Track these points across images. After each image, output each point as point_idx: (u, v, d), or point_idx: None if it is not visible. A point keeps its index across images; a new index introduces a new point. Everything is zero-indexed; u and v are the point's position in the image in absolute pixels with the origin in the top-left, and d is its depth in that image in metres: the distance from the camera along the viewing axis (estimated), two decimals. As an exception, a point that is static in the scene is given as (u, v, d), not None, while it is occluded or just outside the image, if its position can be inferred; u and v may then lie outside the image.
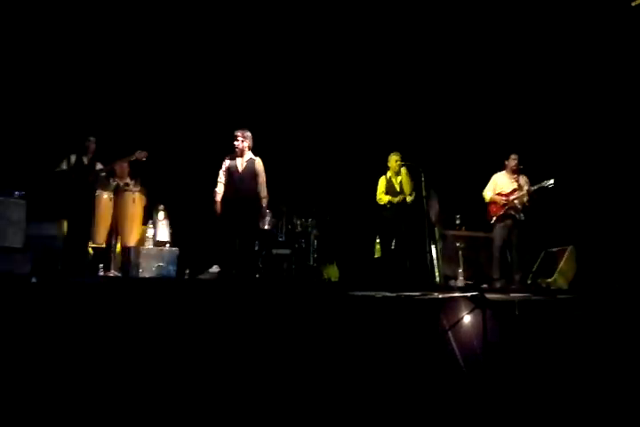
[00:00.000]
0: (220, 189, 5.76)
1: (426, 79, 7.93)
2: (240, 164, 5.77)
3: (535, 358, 3.02)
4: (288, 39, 7.76)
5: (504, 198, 6.42)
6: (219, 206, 5.72)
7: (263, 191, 5.84)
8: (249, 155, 5.81)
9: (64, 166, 6.02)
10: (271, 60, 7.89)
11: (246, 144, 5.78)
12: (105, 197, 6.31)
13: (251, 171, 5.77)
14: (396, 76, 8.01)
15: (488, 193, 6.58)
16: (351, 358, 2.93)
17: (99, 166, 6.19)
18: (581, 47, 6.98)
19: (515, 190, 6.44)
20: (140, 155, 6.13)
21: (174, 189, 7.50)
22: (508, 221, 6.39)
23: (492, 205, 6.52)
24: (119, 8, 7.22)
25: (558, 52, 7.17)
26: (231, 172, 5.77)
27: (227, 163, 5.82)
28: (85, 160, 6.12)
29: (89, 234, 6.13)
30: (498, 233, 6.43)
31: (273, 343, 3.00)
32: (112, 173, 6.42)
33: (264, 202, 5.84)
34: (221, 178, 5.80)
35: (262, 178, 5.85)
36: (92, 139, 6.15)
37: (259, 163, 5.85)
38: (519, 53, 7.42)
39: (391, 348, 3.00)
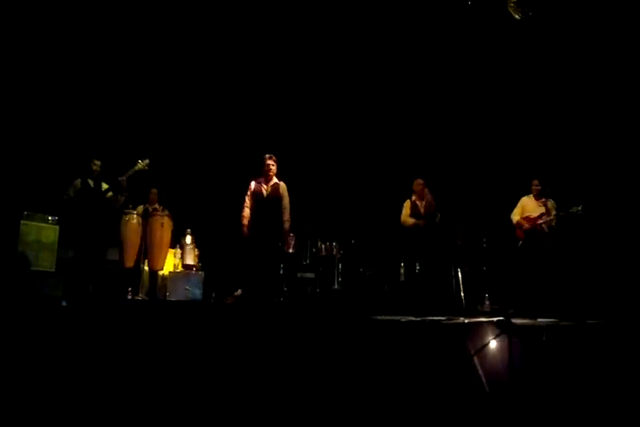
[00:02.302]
0: (246, 213, 5.82)
1: (451, 104, 7.98)
2: (265, 188, 5.85)
3: (562, 385, 2.96)
4: (312, 63, 7.89)
5: (529, 223, 6.37)
6: (246, 230, 5.77)
7: (286, 215, 5.89)
8: (274, 179, 5.90)
9: (71, 193, 5.91)
10: (298, 87, 8.02)
11: (275, 169, 5.88)
12: (134, 221, 6.43)
13: (275, 195, 5.84)
14: (420, 102, 8.08)
15: (514, 216, 6.55)
16: (375, 383, 2.92)
17: (105, 187, 6.05)
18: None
19: (542, 215, 6.38)
20: (142, 164, 6.00)
21: (201, 214, 7.61)
22: (536, 245, 6.32)
23: (518, 229, 6.48)
24: (129, 23, 7.30)
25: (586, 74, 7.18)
26: (256, 196, 5.83)
27: (252, 187, 5.90)
28: (91, 183, 6.00)
29: (105, 257, 6.15)
30: (524, 257, 6.35)
31: (296, 367, 3.01)
32: (120, 190, 6.11)
33: (286, 225, 5.89)
34: (247, 202, 5.87)
35: (286, 202, 5.92)
36: (97, 162, 6.03)
37: (283, 187, 5.93)
38: (545, 79, 7.43)
39: (416, 373, 2.98)
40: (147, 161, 6.03)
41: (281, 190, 5.90)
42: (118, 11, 7.11)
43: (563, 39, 7.05)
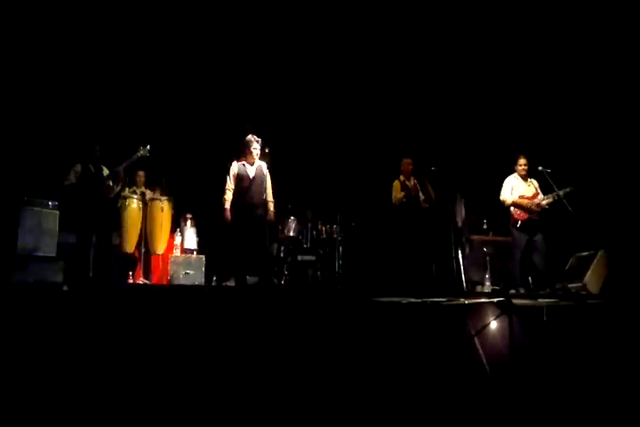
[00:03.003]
0: (229, 197, 5.74)
1: (445, 84, 7.91)
2: (251, 170, 5.79)
3: (563, 364, 2.97)
4: (304, 48, 7.79)
5: (532, 202, 6.33)
6: (229, 214, 5.70)
7: (271, 196, 5.87)
8: (258, 161, 5.86)
9: (72, 179, 5.84)
10: (290, 72, 7.93)
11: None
12: (134, 205, 6.41)
13: (261, 176, 5.79)
14: (415, 83, 8.01)
15: (508, 197, 6.46)
16: (377, 364, 2.93)
17: (106, 172, 6.02)
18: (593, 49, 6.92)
19: (536, 194, 6.37)
20: (144, 151, 5.94)
21: (201, 198, 7.59)
22: (533, 225, 6.31)
23: (517, 210, 6.41)
24: (124, 16, 7.26)
25: (572, 56, 7.12)
26: (242, 178, 5.74)
27: (235, 168, 5.78)
28: (92, 168, 5.94)
29: (111, 242, 6.10)
30: (523, 237, 6.32)
31: (298, 349, 3.02)
32: (116, 178, 6.03)
33: (271, 206, 5.86)
34: (230, 185, 5.78)
35: (269, 182, 5.89)
36: (97, 147, 5.97)
37: (266, 168, 5.88)
38: (534, 59, 7.36)
39: (417, 354, 2.99)
40: (148, 147, 5.95)
41: (265, 171, 5.86)
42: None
43: (548, 19, 6.97)
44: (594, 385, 2.87)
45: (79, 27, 7.12)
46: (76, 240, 5.86)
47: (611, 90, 6.99)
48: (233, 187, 5.70)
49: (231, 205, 5.67)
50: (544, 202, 6.30)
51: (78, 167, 5.90)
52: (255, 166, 5.78)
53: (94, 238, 5.88)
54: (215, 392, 2.76)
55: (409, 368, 2.91)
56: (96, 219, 5.83)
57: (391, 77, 8.01)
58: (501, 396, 2.78)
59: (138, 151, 5.93)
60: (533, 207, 6.30)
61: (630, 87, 6.79)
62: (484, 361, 2.93)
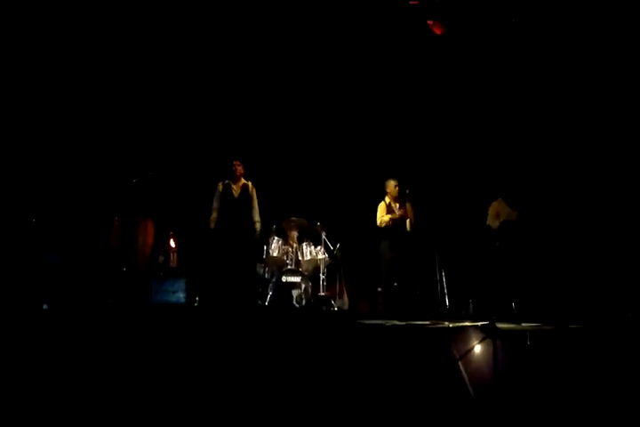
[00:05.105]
0: (213, 217, 5.77)
1: (425, 107, 8.01)
2: (234, 189, 5.81)
3: (546, 388, 2.97)
4: (288, 66, 7.85)
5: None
6: (213, 234, 5.73)
7: (257, 216, 5.87)
8: (242, 180, 5.88)
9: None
10: (277, 89, 7.97)
11: (241, 169, 5.86)
12: (116, 224, 6.35)
13: (246, 196, 5.81)
14: (396, 106, 8.09)
15: (494, 222, 6.55)
16: (360, 387, 2.91)
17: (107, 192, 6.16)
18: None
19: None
20: (142, 177, 6.09)
21: (185, 218, 7.55)
22: (516, 250, 6.38)
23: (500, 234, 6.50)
24: (133, 34, 7.32)
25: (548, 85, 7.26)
26: (226, 197, 5.78)
27: (220, 188, 5.85)
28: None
29: (104, 262, 6.11)
30: (504, 262, 6.39)
31: (281, 371, 2.99)
32: (120, 198, 6.33)
33: (258, 226, 5.85)
34: (215, 205, 5.81)
35: (255, 202, 5.89)
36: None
37: (251, 187, 5.90)
38: (515, 88, 7.49)
39: (401, 377, 2.97)
40: (148, 173, 6.14)
41: (250, 190, 5.87)
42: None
43: (538, 48, 7.12)
44: (576, 409, 2.87)
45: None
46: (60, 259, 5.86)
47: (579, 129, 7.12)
48: (217, 206, 5.74)
49: (215, 224, 5.69)
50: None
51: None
52: (240, 185, 5.81)
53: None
54: (197, 414, 2.72)
55: (393, 391, 2.88)
56: (92, 237, 6.06)
57: (370, 97, 8.06)
58: (485, 420, 2.76)
59: (138, 176, 6.10)
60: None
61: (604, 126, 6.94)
62: (468, 385, 2.92)
